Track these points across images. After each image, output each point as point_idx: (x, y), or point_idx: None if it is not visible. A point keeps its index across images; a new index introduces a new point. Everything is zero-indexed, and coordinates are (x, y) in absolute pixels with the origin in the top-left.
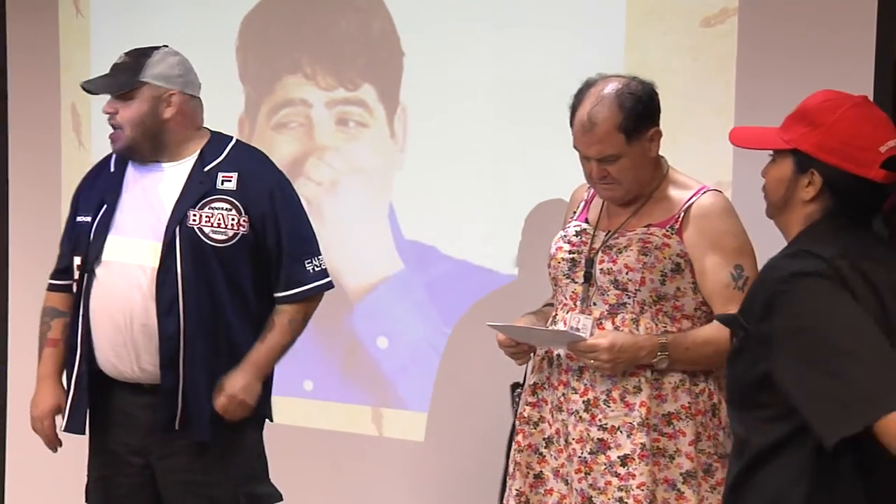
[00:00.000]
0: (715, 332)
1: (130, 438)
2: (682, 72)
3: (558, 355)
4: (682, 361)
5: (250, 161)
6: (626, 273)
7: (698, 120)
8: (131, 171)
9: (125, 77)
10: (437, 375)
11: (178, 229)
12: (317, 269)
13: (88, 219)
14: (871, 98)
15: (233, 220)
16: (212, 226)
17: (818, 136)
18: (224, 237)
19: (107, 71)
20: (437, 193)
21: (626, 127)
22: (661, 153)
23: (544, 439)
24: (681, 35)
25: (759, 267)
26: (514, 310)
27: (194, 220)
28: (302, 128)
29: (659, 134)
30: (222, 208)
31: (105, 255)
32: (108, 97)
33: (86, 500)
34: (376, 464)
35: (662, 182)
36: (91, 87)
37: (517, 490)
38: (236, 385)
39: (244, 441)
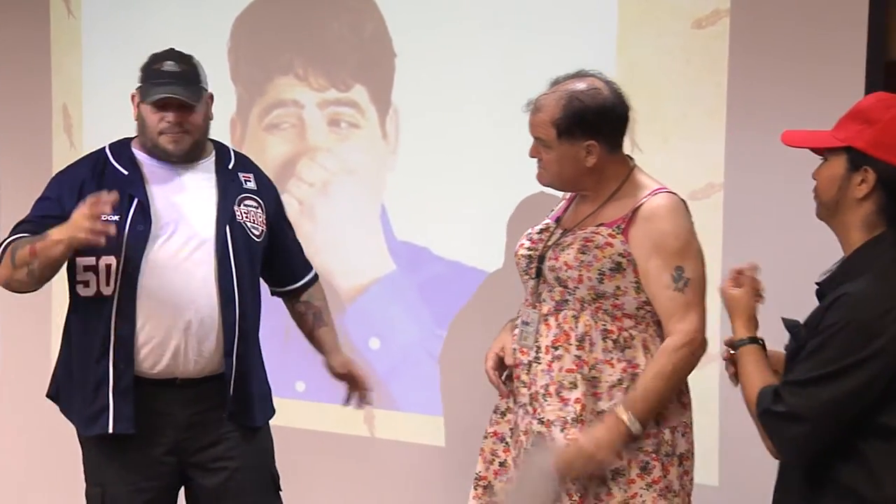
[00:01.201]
0: (659, 365)
1: (166, 437)
2: (674, 73)
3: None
4: (649, 408)
5: (251, 163)
6: (566, 270)
7: (690, 121)
8: (151, 172)
9: (196, 85)
10: (431, 377)
11: (228, 226)
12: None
13: (116, 218)
14: (860, 98)
15: (260, 217)
16: (252, 222)
17: (872, 133)
18: (258, 232)
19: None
20: (430, 194)
21: (559, 125)
22: (649, 153)
23: (510, 429)
24: (673, 36)
25: (703, 269)
26: (503, 306)
27: (240, 217)
28: (294, 129)
29: (596, 148)
30: (252, 206)
31: (154, 258)
32: (97, 100)
33: None
34: (368, 464)
35: (624, 183)
36: (184, 97)
37: (477, 473)
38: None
39: (267, 428)
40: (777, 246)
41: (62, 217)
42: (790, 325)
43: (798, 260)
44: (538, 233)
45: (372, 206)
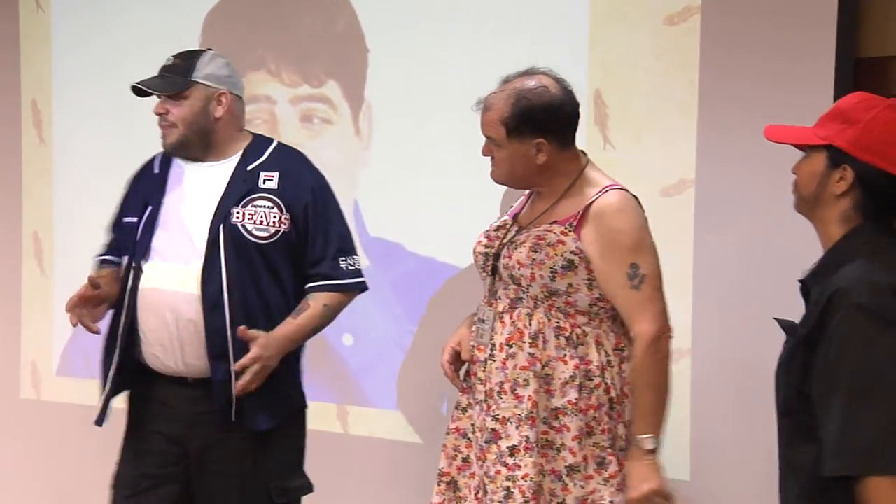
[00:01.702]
0: (641, 378)
1: (170, 428)
2: (645, 70)
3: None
4: (656, 420)
5: (291, 161)
6: (519, 269)
7: (662, 118)
8: (175, 171)
9: (178, 78)
10: (402, 372)
11: (221, 226)
12: (350, 267)
13: (135, 219)
14: (830, 94)
15: (274, 217)
16: (254, 223)
17: (854, 132)
18: (266, 234)
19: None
20: (403, 190)
21: (508, 124)
22: (622, 150)
23: (472, 425)
24: (644, 33)
25: (657, 261)
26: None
27: (237, 218)
28: (266, 124)
29: (545, 146)
30: (264, 206)
31: (151, 253)
32: (67, 95)
33: (112, 489)
34: (341, 460)
35: (577, 181)
36: (147, 87)
37: (439, 469)
38: (262, 344)
39: (282, 433)
40: (748, 241)
41: (118, 223)
42: (786, 325)
43: (769, 254)
44: (495, 230)
45: (345, 202)
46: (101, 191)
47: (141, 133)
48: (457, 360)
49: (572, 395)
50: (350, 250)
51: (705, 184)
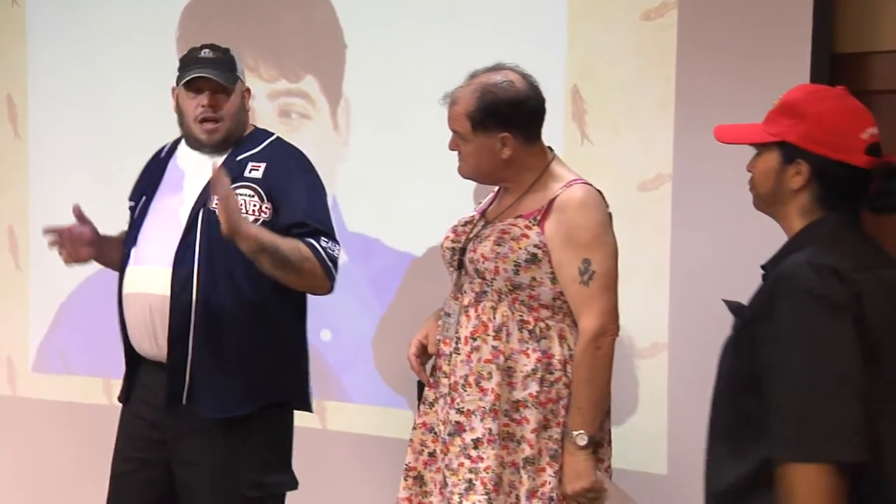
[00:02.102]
0: (578, 373)
1: (148, 413)
2: (623, 65)
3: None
4: (590, 416)
5: (283, 155)
6: (483, 262)
7: (639, 113)
8: (174, 161)
9: (228, 73)
10: (379, 367)
11: (200, 212)
12: (329, 250)
13: (134, 204)
14: None
15: (254, 206)
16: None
17: (804, 126)
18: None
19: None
20: (381, 186)
21: (473, 118)
22: (599, 145)
23: (437, 420)
24: (622, 29)
25: (611, 259)
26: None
27: (216, 205)
28: None
29: (510, 140)
30: (245, 195)
31: (139, 239)
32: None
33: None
34: (321, 456)
35: (542, 176)
36: (210, 75)
37: (406, 464)
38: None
39: (258, 427)
40: (724, 235)
41: (134, 207)
42: (733, 306)
43: (745, 248)
44: (462, 225)
45: None
46: (77, 185)
47: (117, 127)
48: (423, 353)
49: (533, 388)
50: (329, 235)
51: (682, 179)
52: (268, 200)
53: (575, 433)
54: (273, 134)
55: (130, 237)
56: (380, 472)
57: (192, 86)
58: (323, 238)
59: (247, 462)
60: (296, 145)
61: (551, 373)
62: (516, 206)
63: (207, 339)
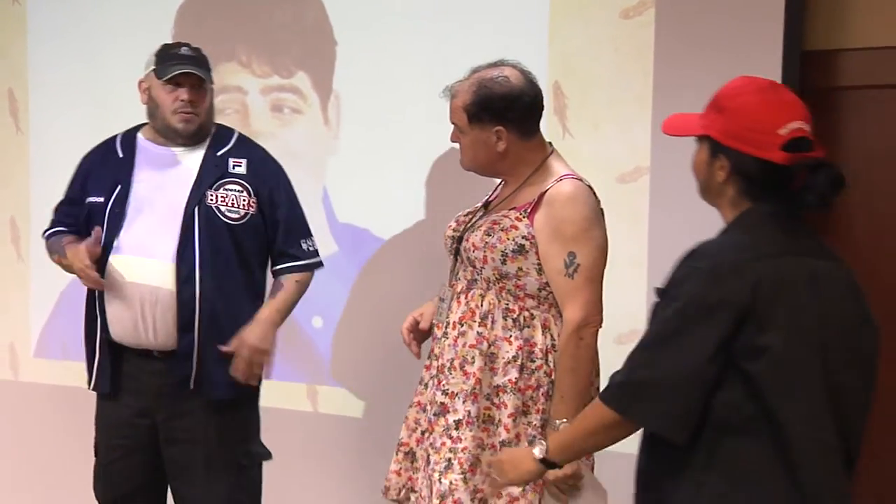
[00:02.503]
0: (562, 362)
1: (138, 401)
2: (603, 62)
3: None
4: (573, 406)
5: (256, 150)
6: (473, 251)
7: (619, 108)
8: (142, 156)
9: (206, 70)
10: (367, 352)
11: (196, 207)
12: (311, 248)
13: (101, 199)
14: None
15: (244, 200)
16: (227, 205)
17: (722, 121)
18: (237, 216)
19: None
20: (370, 178)
21: (469, 111)
22: (580, 138)
23: (429, 401)
24: (602, 26)
25: (596, 253)
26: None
27: (212, 200)
28: (237, 114)
29: (504, 134)
30: (235, 190)
31: (123, 234)
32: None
33: (95, 458)
34: (312, 438)
35: (539, 169)
36: (195, 71)
37: (399, 440)
38: (256, 335)
39: (243, 404)
40: (699, 225)
41: (79, 201)
42: (658, 291)
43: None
44: (465, 215)
45: (314, 190)
46: None
47: (115, 121)
48: (416, 328)
49: (513, 374)
50: (308, 233)
51: (659, 171)
52: (253, 195)
53: (557, 422)
54: (234, 129)
55: (112, 227)
56: (367, 453)
57: (172, 80)
58: (304, 242)
59: (237, 436)
60: (289, 139)
61: (532, 361)
62: (512, 198)
63: (210, 328)
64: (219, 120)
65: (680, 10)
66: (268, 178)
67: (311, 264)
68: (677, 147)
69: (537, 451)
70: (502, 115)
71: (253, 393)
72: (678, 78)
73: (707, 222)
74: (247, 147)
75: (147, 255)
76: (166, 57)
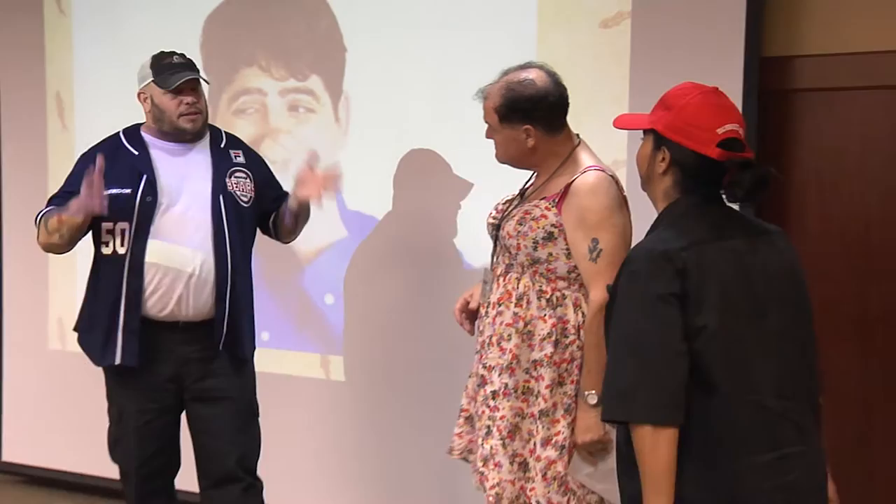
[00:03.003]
0: (588, 339)
1: (168, 369)
2: (584, 66)
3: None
4: (600, 378)
5: (242, 142)
6: (508, 239)
7: (598, 107)
8: (156, 151)
9: (199, 73)
10: (373, 326)
11: (221, 195)
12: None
13: (128, 190)
14: (739, 88)
15: (249, 186)
16: (241, 191)
17: (668, 117)
18: (247, 199)
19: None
20: (376, 170)
21: (500, 111)
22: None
23: (474, 373)
24: (583, 35)
25: (618, 238)
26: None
27: (231, 187)
28: (258, 113)
29: (532, 132)
30: (242, 177)
31: (159, 224)
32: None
33: (114, 425)
34: (324, 403)
35: (567, 161)
36: (197, 76)
37: (461, 406)
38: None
39: (252, 364)
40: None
41: (131, 192)
42: (609, 288)
43: None
44: (503, 203)
45: None
46: None
47: None
48: (466, 308)
49: (549, 349)
50: None
51: (634, 163)
52: (252, 180)
53: (587, 393)
54: (219, 127)
55: (146, 214)
56: (373, 416)
57: (176, 88)
58: None
59: (251, 389)
60: (303, 135)
61: (566, 336)
62: (544, 187)
63: (238, 297)
64: (241, 119)
65: (653, 21)
66: (259, 163)
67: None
68: None
69: None
70: (529, 114)
71: (252, 358)
72: (651, 81)
73: None
74: (236, 140)
75: (184, 238)
76: (163, 67)
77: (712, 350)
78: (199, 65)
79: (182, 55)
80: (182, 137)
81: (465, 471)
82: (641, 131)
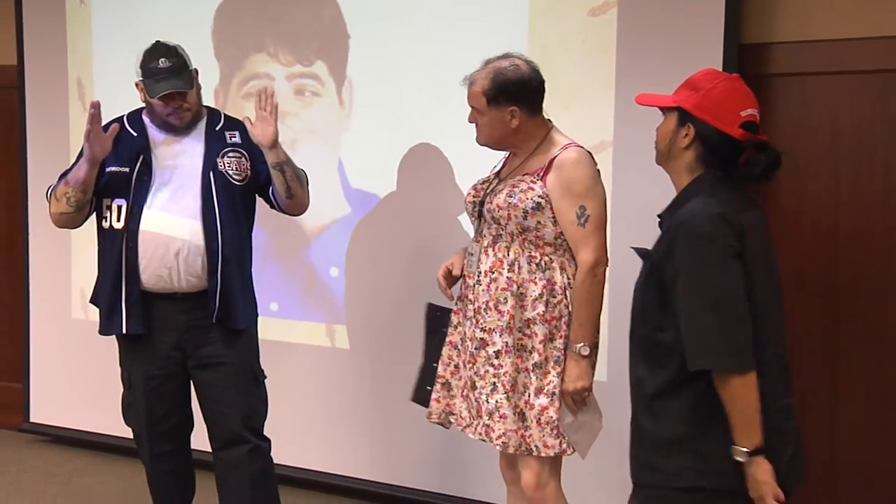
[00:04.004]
0: (579, 296)
1: (171, 337)
2: (573, 52)
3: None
4: (589, 330)
5: (239, 124)
6: (498, 211)
7: (587, 91)
8: (155, 135)
9: (186, 73)
10: (374, 297)
11: (211, 173)
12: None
13: (126, 168)
14: None
15: (244, 164)
16: (233, 169)
17: (697, 97)
18: (241, 177)
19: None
20: (378, 150)
21: (488, 94)
22: (554, 117)
23: (461, 339)
24: (572, 22)
25: (601, 205)
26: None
27: (222, 166)
28: None
29: (517, 112)
30: (236, 156)
31: (152, 200)
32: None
33: (127, 390)
34: (329, 370)
35: (543, 141)
36: (180, 90)
37: (438, 374)
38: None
39: (250, 333)
40: (656, 191)
41: (129, 169)
42: (641, 252)
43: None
44: (481, 183)
45: (331, 160)
46: None
47: None
48: (449, 275)
49: (540, 308)
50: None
51: (621, 144)
52: (248, 159)
53: (578, 345)
54: (219, 110)
55: (140, 190)
56: (374, 381)
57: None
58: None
59: (251, 356)
60: (309, 118)
61: (554, 297)
62: (523, 166)
63: (229, 270)
64: (250, 102)
65: (638, 9)
66: (255, 147)
67: (304, 176)
68: (635, 125)
69: (739, 458)
70: (516, 96)
71: (254, 328)
72: (636, 66)
73: (663, 189)
74: (234, 121)
75: (175, 212)
76: (150, 72)
77: (761, 304)
78: (210, 51)
79: (170, 57)
80: (174, 130)
81: (458, 432)
82: (660, 111)
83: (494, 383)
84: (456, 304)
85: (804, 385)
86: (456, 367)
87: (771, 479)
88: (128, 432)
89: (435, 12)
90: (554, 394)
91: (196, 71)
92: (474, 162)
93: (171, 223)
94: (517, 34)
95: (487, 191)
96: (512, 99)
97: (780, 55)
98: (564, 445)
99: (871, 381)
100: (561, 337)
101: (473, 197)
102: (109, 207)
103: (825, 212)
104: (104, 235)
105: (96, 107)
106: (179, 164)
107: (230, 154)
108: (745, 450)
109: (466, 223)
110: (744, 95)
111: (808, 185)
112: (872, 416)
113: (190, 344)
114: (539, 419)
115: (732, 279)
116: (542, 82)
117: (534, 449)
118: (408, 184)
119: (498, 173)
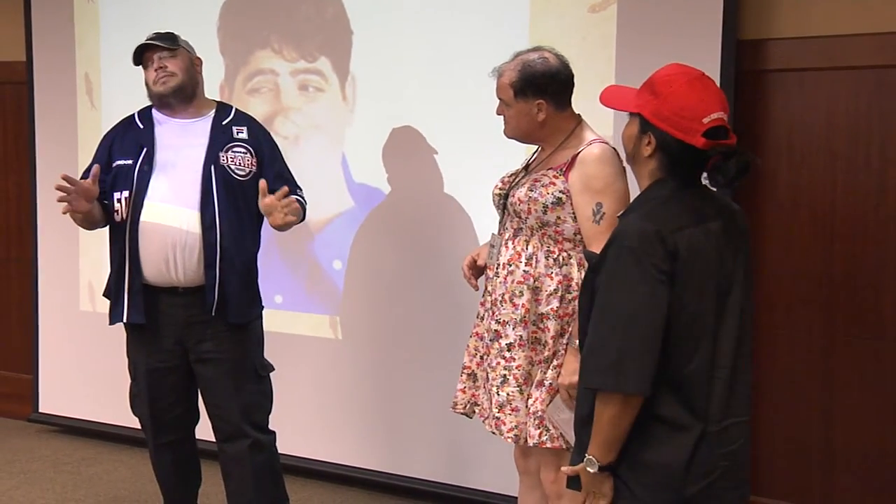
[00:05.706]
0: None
1: (173, 331)
2: (573, 48)
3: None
4: None
5: (252, 120)
6: (519, 204)
7: (587, 86)
8: (159, 126)
9: (170, 41)
10: (377, 290)
11: (212, 167)
12: (303, 196)
13: (129, 161)
14: (717, 69)
15: (248, 160)
16: (236, 164)
17: (655, 104)
18: (244, 173)
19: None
20: (380, 145)
21: (515, 86)
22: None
23: (485, 330)
24: (573, 19)
25: (619, 203)
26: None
27: (224, 160)
28: (271, 92)
29: (544, 106)
30: (241, 152)
31: (152, 191)
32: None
33: (133, 381)
34: (334, 361)
35: (571, 136)
36: (153, 41)
37: (463, 364)
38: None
39: (253, 327)
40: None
41: (106, 168)
42: (588, 255)
43: None
44: (508, 176)
45: (334, 155)
46: None
47: None
48: (474, 265)
49: (555, 303)
50: (298, 187)
51: (620, 138)
52: (255, 156)
53: (577, 341)
54: (232, 105)
55: (141, 181)
56: (377, 371)
57: (147, 61)
58: (298, 191)
59: (252, 351)
60: (313, 113)
61: (569, 292)
62: (549, 160)
63: (228, 265)
64: (255, 97)
65: (637, 6)
66: (264, 142)
67: (303, 203)
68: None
69: (590, 469)
70: (543, 89)
71: (258, 323)
72: (636, 62)
73: None
74: (245, 117)
75: (175, 203)
76: (137, 51)
77: (687, 326)
78: (215, 48)
79: (157, 33)
80: (168, 105)
81: (461, 422)
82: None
83: (505, 376)
84: (483, 295)
85: (799, 376)
86: (481, 358)
87: (609, 495)
88: (136, 422)
89: (438, 10)
90: (548, 386)
91: (199, 61)
92: (477, 157)
93: (171, 213)
94: (518, 30)
95: (513, 183)
96: (539, 92)
97: (778, 51)
98: (545, 438)
99: (865, 371)
100: (572, 334)
101: (500, 189)
102: (119, 200)
103: (821, 204)
104: (112, 228)
105: (65, 178)
106: (182, 155)
107: (235, 149)
108: (597, 462)
109: (470, 216)
110: (706, 98)
111: (804, 179)
112: (867, 406)
113: (191, 339)
114: (529, 409)
115: (646, 299)
116: (571, 76)
117: (526, 438)
118: (412, 177)
119: (527, 166)
